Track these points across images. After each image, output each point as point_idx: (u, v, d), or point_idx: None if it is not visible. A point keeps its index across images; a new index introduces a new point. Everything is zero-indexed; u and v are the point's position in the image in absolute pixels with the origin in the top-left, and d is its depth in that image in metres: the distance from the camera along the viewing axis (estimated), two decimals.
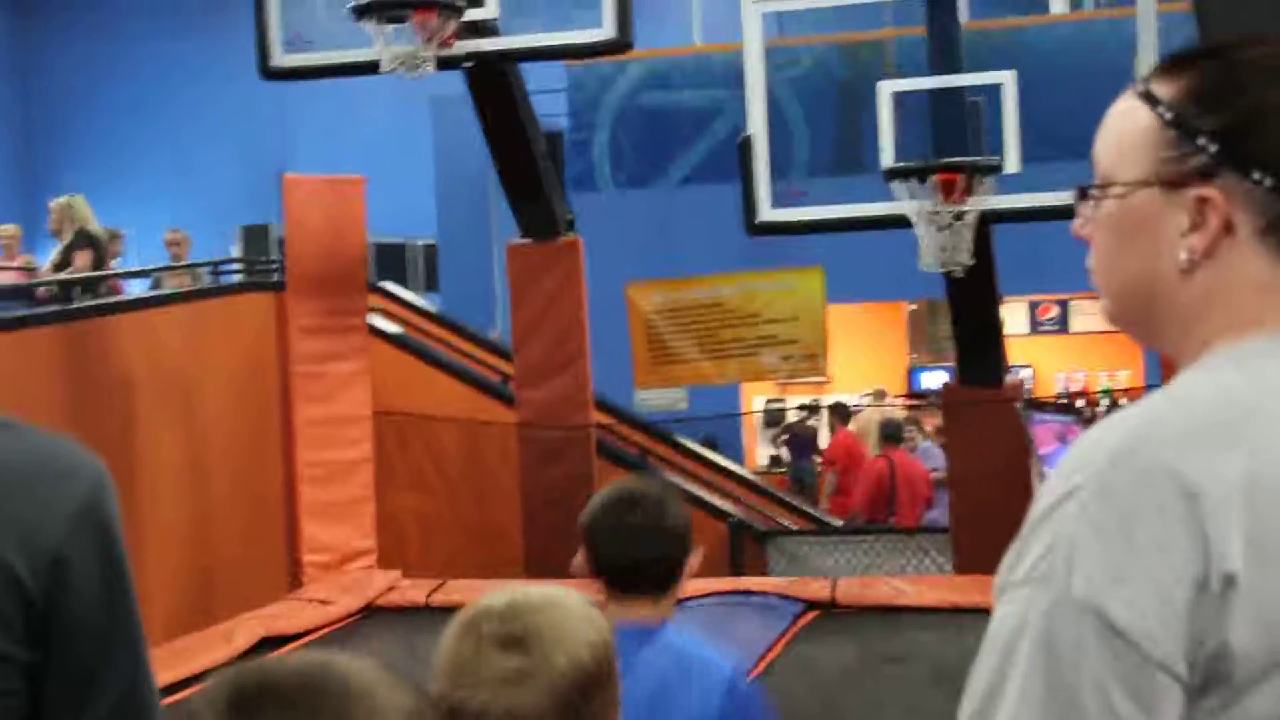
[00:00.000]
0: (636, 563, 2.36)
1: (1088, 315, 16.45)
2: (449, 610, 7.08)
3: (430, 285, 16.47)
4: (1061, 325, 16.56)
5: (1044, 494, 1.12)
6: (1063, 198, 7.78)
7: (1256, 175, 1.17)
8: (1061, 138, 11.84)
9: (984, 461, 8.44)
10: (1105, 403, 16.00)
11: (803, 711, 6.51)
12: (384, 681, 1.04)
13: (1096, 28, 14.38)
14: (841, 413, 12.26)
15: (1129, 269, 1.25)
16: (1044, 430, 1.71)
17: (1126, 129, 1.26)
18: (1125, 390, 16.06)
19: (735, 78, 15.10)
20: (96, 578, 1.36)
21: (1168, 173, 1.21)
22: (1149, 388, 14.84)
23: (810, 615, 8.24)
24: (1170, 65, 1.25)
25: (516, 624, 1.49)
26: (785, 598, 8.22)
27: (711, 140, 15.16)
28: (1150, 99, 1.24)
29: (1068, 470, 1.11)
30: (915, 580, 8.75)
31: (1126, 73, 11.29)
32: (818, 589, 8.46)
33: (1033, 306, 16.36)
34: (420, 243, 16.78)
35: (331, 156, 14.31)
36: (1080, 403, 15.98)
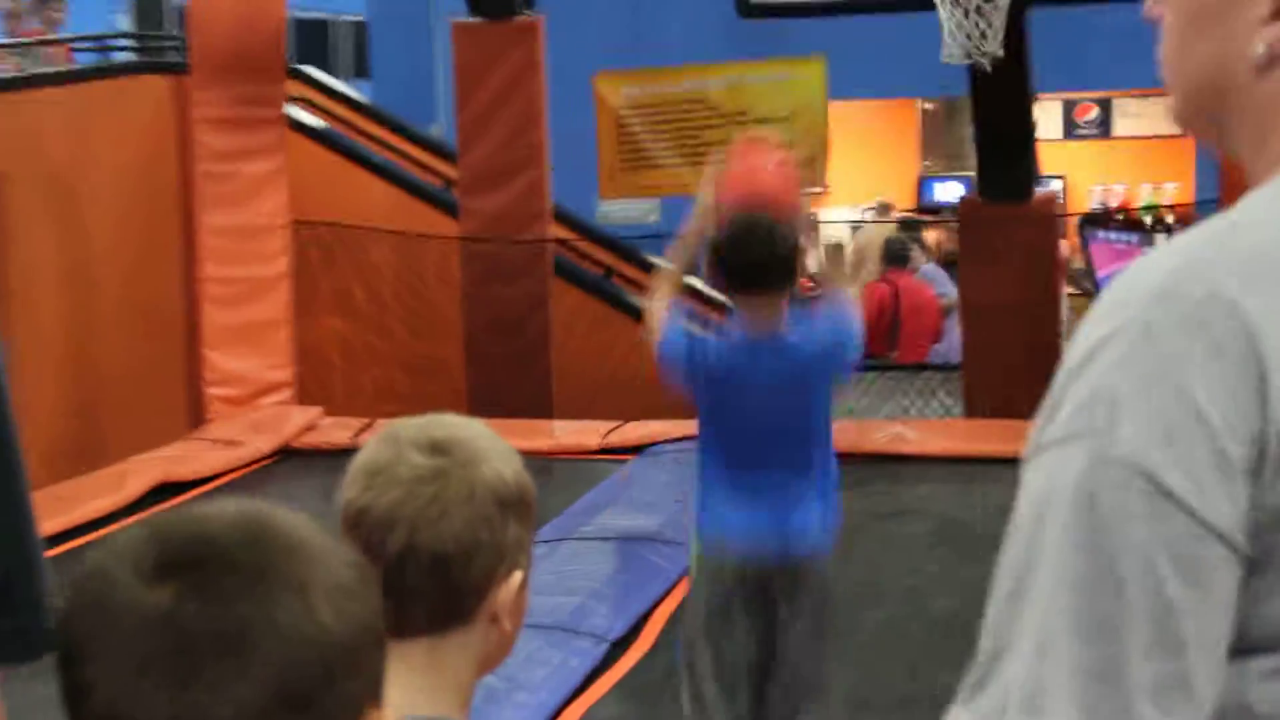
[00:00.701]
0: (762, 261, 3.56)
1: (1133, 117, 16.37)
2: None
3: (359, 71, 16.21)
4: (1102, 129, 16.49)
5: (1080, 338, 1.11)
6: None
7: None
8: None
9: (1004, 289, 8.46)
10: (1149, 219, 16.05)
11: None
12: (328, 536, 1.03)
13: None
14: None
15: (1198, 59, 1.22)
16: (1102, 250, 1.69)
17: None
18: (1172, 206, 16.09)
19: None
20: None
21: None
22: (1200, 205, 14.87)
23: None
24: None
25: (440, 432, 1.59)
26: None
27: None
28: None
29: (1107, 309, 1.10)
30: (920, 425, 8.85)
31: None
32: None
33: (1068, 106, 16.24)
34: (347, 19, 16.44)
35: None
36: (1120, 219, 16.02)
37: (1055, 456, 1.08)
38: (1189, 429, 1.03)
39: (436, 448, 1.56)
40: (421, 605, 1.54)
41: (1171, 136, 16.28)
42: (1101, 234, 1.63)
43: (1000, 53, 7.07)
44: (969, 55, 7.14)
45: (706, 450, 3.80)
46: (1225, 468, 1.03)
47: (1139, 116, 16.37)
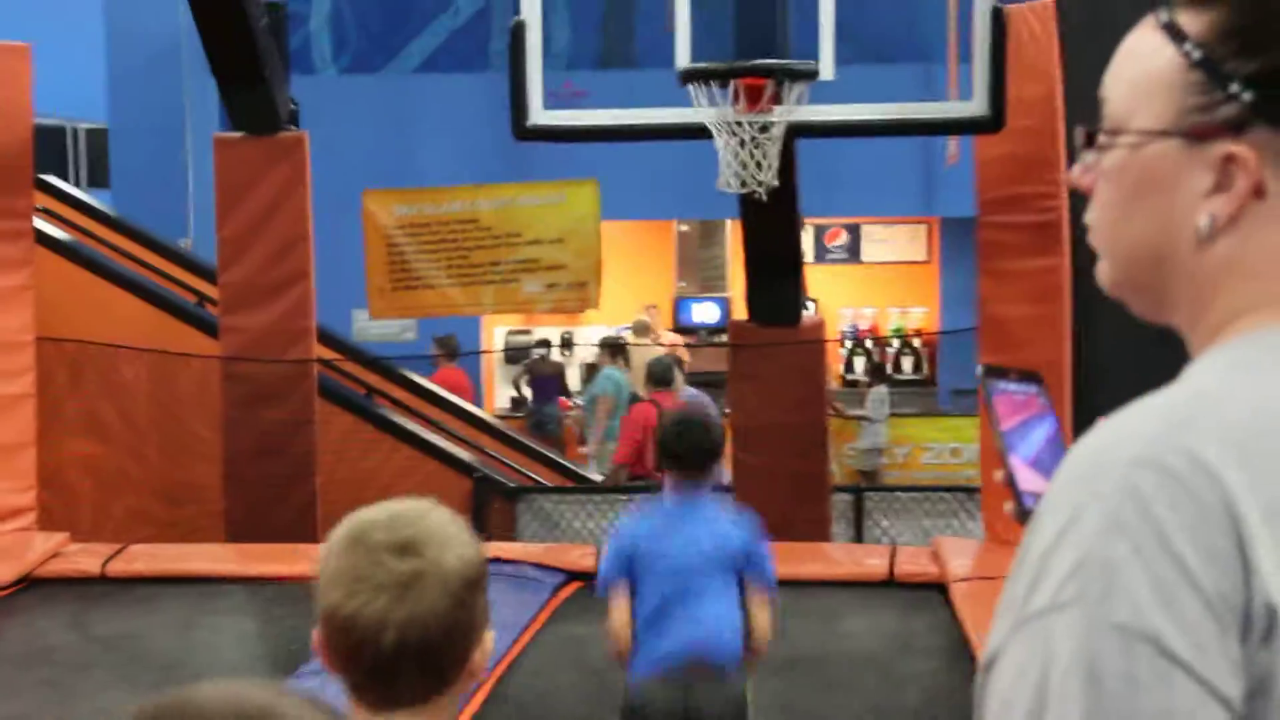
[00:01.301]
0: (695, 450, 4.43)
1: (881, 242, 17.07)
2: (129, 582, 6.86)
3: (96, 180, 15.80)
4: (852, 253, 17.12)
5: (1050, 508, 1.12)
6: (874, 110, 8.02)
7: None
8: (863, 37, 12.29)
9: (774, 411, 8.69)
10: (896, 343, 16.70)
11: (568, 699, 6.61)
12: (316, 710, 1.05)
13: None
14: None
15: (1137, 231, 1.26)
16: (1006, 401, 1.74)
17: (1144, 67, 1.26)
18: (919, 331, 16.78)
19: None
20: None
21: (1192, 123, 1.22)
22: (946, 331, 15.53)
23: (571, 587, 8.34)
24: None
25: (407, 530, 1.78)
26: (542, 567, 8.30)
27: (453, 21, 15.01)
28: (1174, 33, 1.24)
29: (1079, 477, 1.11)
30: None
31: None
32: (579, 557, 8.57)
33: (819, 231, 16.84)
34: (82, 127, 16.05)
35: None
36: (869, 342, 16.61)
37: (1047, 625, 1.07)
38: (1186, 593, 1.04)
39: (408, 549, 1.77)
40: (413, 684, 1.79)
41: (916, 262, 17.05)
42: (1003, 385, 1.70)
43: (775, 182, 7.30)
44: (744, 184, 7.35)
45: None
46: (1221, 631, 1.05)
47: (885, 242, 17.09)
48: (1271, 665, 1.05)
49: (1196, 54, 1.22)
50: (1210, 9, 1.23)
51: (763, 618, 4.40)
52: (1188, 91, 1.22)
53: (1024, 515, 1.39)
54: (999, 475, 1.43)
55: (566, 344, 15.60)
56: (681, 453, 4.42)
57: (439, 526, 1.82)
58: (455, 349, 12.42)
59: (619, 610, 4.39)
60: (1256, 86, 1.19)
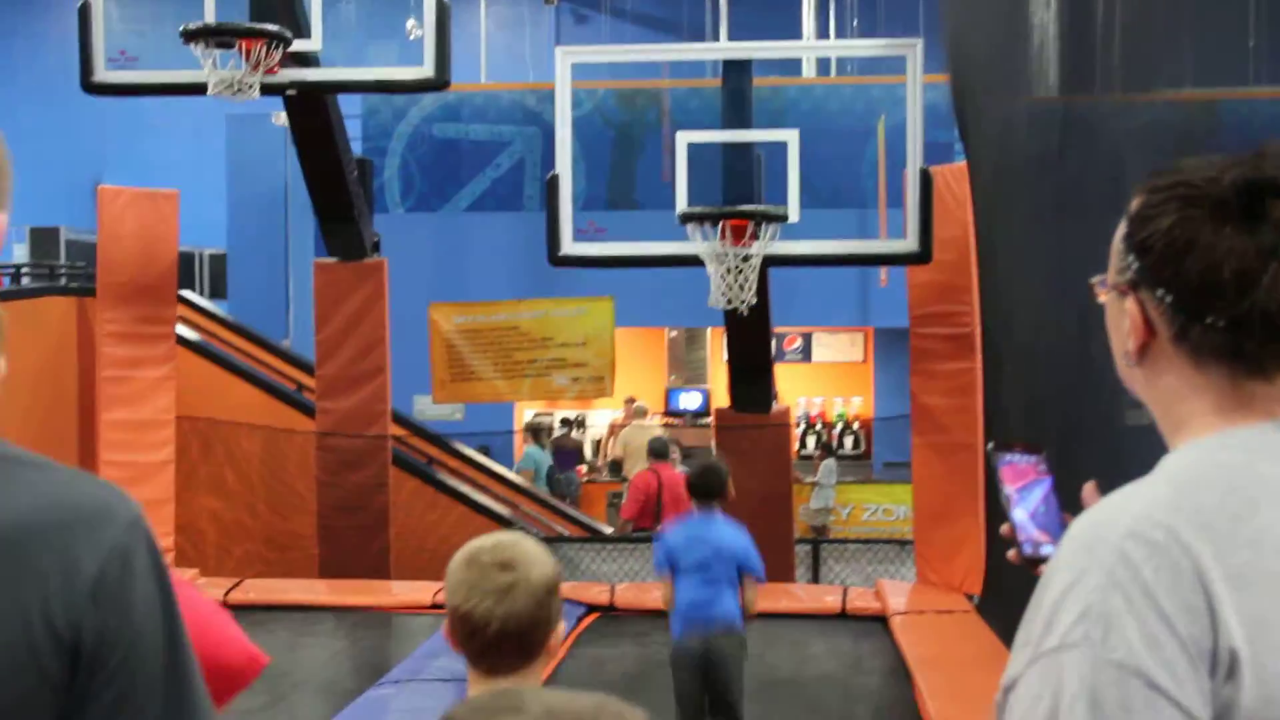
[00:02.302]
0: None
1: (826, 347, 17.14)
2: (246, 609, 6.83)
3: (217, 293, 15.86)
4: (805, 355, 17.17)
5: (1061, 567, 1.15)
6: (832, 245, 8.16)
7: (1159, 292, 1.22)
8: (817, 188, 12.43)
9: (751, 480, 8.71)
10: (840, 426, 16.73)
11: None
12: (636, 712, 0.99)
13: (844, 91, 15.06)
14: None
15: (1115, 352, 1.31)
16: (1009, 469, 1.80)
17: (1116, 234, 1.30)
18: (857, 416, 16.82)
19: (521, 114, 15.36)
20: (150, 634, 1.17)
21: (1115, 280, 1.27)
22: (880, 418, 15.57)
23: (591, 617, 8.33)
24: (1144, 180, 1.29)
25: (506, 553, 2.02)
26: (568, 600, 8.29)
27: (496, 171, 15.18)
28: (1127, 211, 1.29)
29: (1086, 542, 1.14)
30: None
31: (872, 132, 11.72)
32: (598, 593, 8.57)
33: (779, 337, 16.91)
34: (207, 252, 16.16)
35: (127, 163, 13.66)
36: (818, 424, 16.63)
37: (1058, 661, 1.09)
38: (1167, 638, 1.07)
39: (506, 566, 2.01)
40: (510, 658, 2.03)
41: (855, 362, 17.13)
42: (1008, 456, 1.75)
43: (754, 301, 7.41)
44: (729, 302, 7.45)
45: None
46: (1194, 669, 1.07)
47: (831, 346, 17.16)
48: (1233, 697, 1.08)
49: (1124, 228, 1.27)
50: (1138, 195, 1.27)
51: (751, 593, 5.40)
52: (1119, 257, 1.27)
53: (1025, 559, 1.41)
54: (1004, 528, 1.44)
55: (580, 423, 15.61)
56: (702, 487, 5.43)
57: (527, 552, 2.04)
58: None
59: (666, 588, 5.43)
60: (1138, 257, 1.23)
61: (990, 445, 1.51)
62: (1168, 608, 1.08)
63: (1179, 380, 1.23)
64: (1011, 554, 1.43)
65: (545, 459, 12.22)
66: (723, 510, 5.47)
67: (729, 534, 5.43)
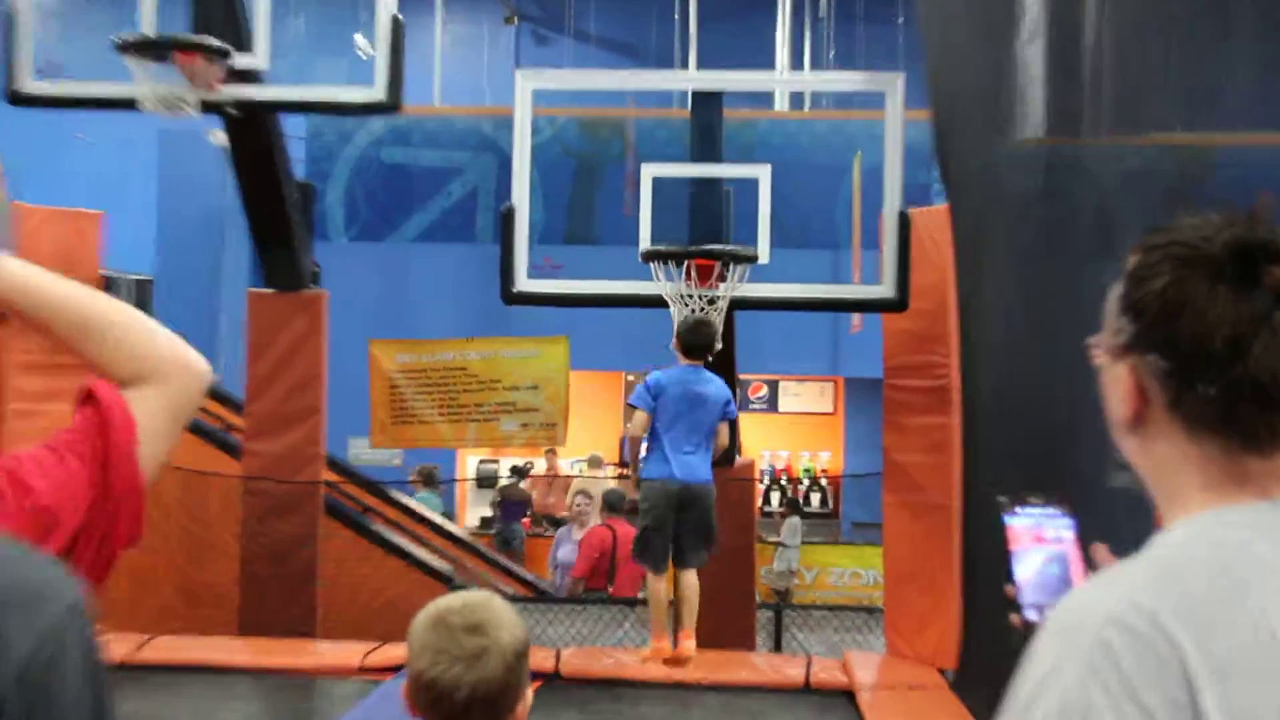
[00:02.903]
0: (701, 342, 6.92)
1: (794, 396, 17.18)
2: (156, 669, 6.70)
3: None
4: (770, 404, 17.21)
5: (1038, 654, 1.15)
6: (798, 289, 8.17)
7: (1152, 357, 1.23)
8: (786, 228, 12.49)
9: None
10: (806, 481, 16.74)
11: None
12: None
13: (818, 127, 15.19)
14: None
15: (1110, 417, 1.32)
16: (1017, 527, 1.75)
17: (1112, 294, 1.32)
18: (825, 472, 16.84)
19: (476, 141, 15.39)
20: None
21: (1110, 343, 1.29)
22: (849, 475, 15.60)
23: (535, 685, 8.24)
24: (1141, 238, 1.30)
25: (476, 615, 2.04)
26: None
27: (447, 200, 15.17)
28: (1123, 270, 1.30)
29: (1065, 628, 1.14)
30: (638, 652, 8.87)
31: (847, 170, 11.82)
32: (541, 659, 8.47)
33: (743, 385, 16.94)
34: (132, 277, 16.01)
35: (46, 180, 13.52)
36: (784, 479, 16.65)
37: None
38: None
39: (476, 629, 2.03)
40: None
41: (824, 414, 17.19)
42: (1019, 511, 1.71)
43: (719, 346, 7.39)
44: None
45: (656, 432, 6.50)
46: None
47: (799, 396, 17.20)
48: None
49: (1118, 289, 1.28)
50: (1134, 254, 1.28)
51: (724, 434, 6.57)
52: (1113, 319, 1.29)
53: (1027, 625, 1.40)
54: (1008, 588, 1.44)
55: (524, 473, 15.54)
56: (697, 342, 6.49)
57: (497, 613, 2.08)
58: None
59: (640, 418, 6.36)
60: (1132, 320, 1.25)
61: (1002, 499, 1.50)
62: (1149, 702, 1.08)
63: (1173, 451, 1.24)
64: (1014, 618, 1.43)
65: (438, 504, 12.22)
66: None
67: (715, 387, 6.56)
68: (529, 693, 2.12)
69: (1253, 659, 1.11)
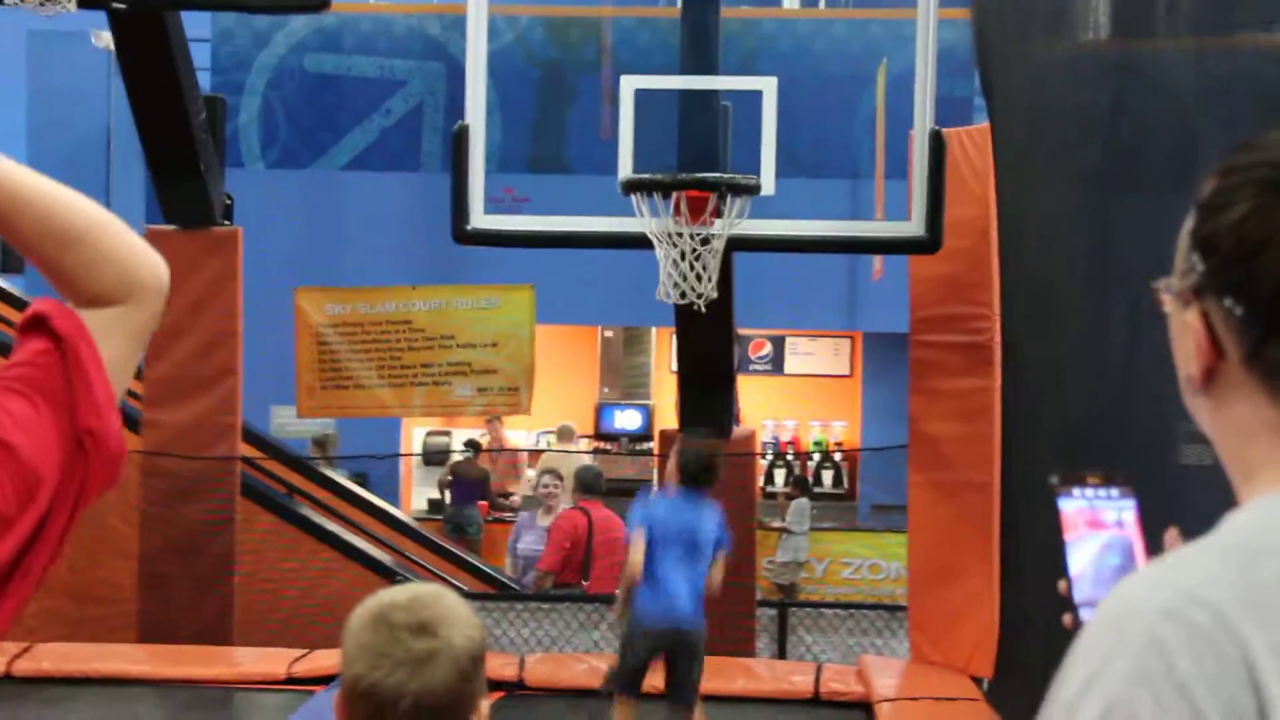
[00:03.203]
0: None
1: (804, 355, 17.19)
2: (37, 682, 6.74)
3: (10, 266, 15.61)
4: (774, 365, 17.22)
5: (1083, 652, 1.16)
6: (813, 226, 8.16)
7: (1228, 301, 1.22)
8: (795, 152, 12.47)
9: None
10: (817, 456, 16.80)
11: None
12: None
13: (835, 28, 15.13)
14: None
15: (1179, 374, 1.32)
16: (1071, 511, 1.73)
17: (1184, 225, 1.30)
18: (839, 444, 16.89)
19: (420, 46, 15.29)
20: None
21: (1178, 286, 1.28)
22: (867, 448, 15.66)
23: (493, 696, 8.27)
24: (1221, 158, 1.29)
25: (425, 613, 2.04)
26: None
27: (386, 119, 15.07)
28: (1196, 198, 1.28)
29: (1112, 622, 1.16)
30: (614, 657, 8.91)
31: (869, 81, 11.79)
32: (502, 666, 8.52)
33: (743, 342, 16.95)
34: None
35: None
36: (790, 454, 16.69)
37: None
38: None
39: (425, 629, 2.04)
40: None
41: (839, 376, 17.21)
42: (1075, 493, 1.70)
43: (714, 294, 7.40)
44: (684, 295, 7.43)
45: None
46: None
47: (808, 355, 17.22)
48: None
49: (1190, 220, 1.27)
50: (1211, 177, 1.27)
51: (718, 572, 6.79)
52: (1183, 256, 1.28)
53: (1078, 624, 1.41)
54: (1061, 584, 1.45)
55: (480, 446, 15.52)
56: (702, 477, 6.80)
57: (450, 609, 2.08)
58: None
59: (636, 551, 6.64)
60: (1204, 257, 1.24)
61: (1053, 478, 1.49)
62: (1207, 709, 1.09)
63: (1251, 415, 1.25)
64: (1066, 618, 1.44)
65: None
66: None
67: (712, 523, 6.85)
68: (485, 704, 2.13)
69: None
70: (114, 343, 1.53)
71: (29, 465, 1.44)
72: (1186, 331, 1.27)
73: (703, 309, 7.45)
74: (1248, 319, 1.22)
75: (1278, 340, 1.21)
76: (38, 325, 1.50)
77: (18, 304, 10.85)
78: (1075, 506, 1.47)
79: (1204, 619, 1.12)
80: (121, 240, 1.57)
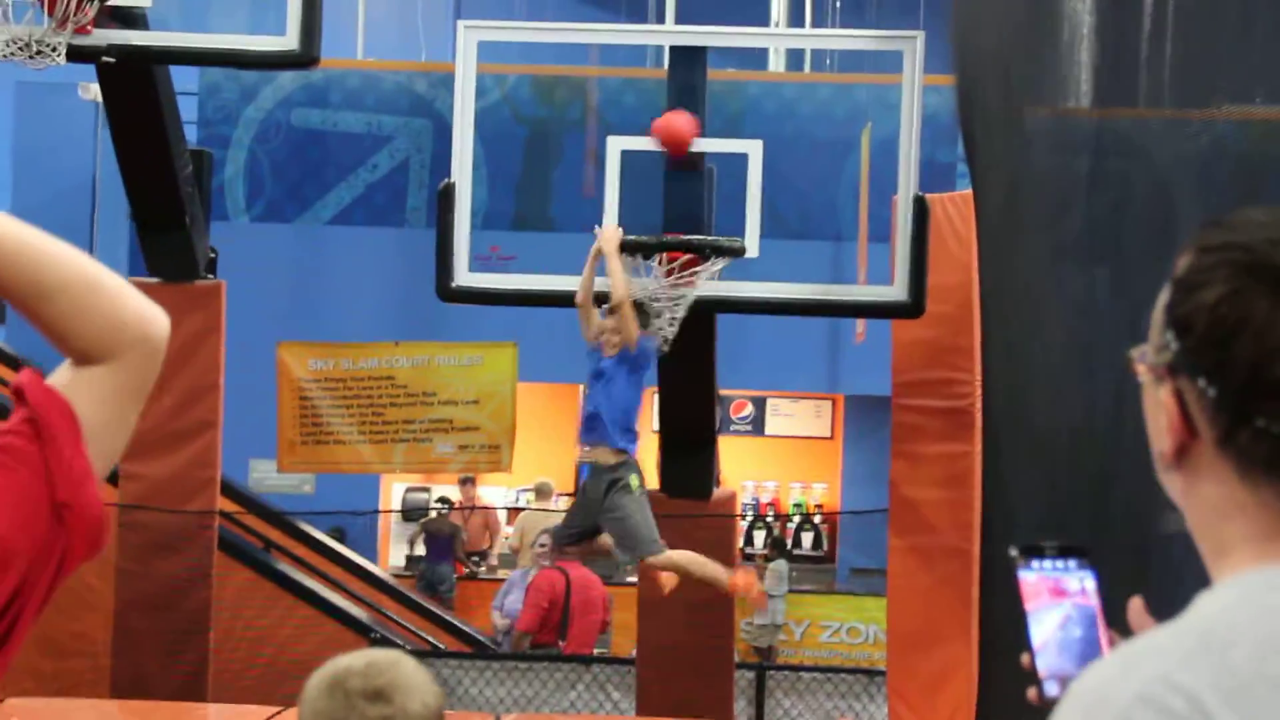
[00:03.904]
0: None
1: (785, 417, 17.20)
2: None
3: None
4: (756, 426, 17.23)
5: None
6: (797, 289, 8.18)
7: (1201, 382, 1.22)
8: (779, 213, 12.52)
9: (681, 588, 8.65)
10: (797, 519, 16.78)
11: None
12: None
13: (820, 92, 15.23)
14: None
15: (1152, 446, 1.31)
16: (1030, 582, 1.73)
17: (1159, 299, 1.30)
18: (820, 507, 16.87)
19: (407, 103, 15.33)
20: None
21: (1153, 360, 1.28)
22: (847, 511, 15.65)
23: None
24: (1194, 235, 1.28)
25: (380, 679, 2.06)
26: None
27: (372, 174, 15.11)
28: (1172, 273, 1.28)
29: (1084, 707, 1.16)
30: (591, 719, 8.87)
31: (854, 145, 11.86)
32: None
33: (724, 402, 16.95)
34: None
35: None
36: (769, 515, 16.67)
37: None
38: None
39: (380, 695, 2.04)
40: None
41: (820, 438, 17.21)
42: (1034, 564, 1.70)
43: (672, 333, 7.37)
44: (660, 350, 7.45)
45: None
46: None
47: (791, 416, 17.22)
48: None
49: (1165, 296, 1.27)
50: (1185, 253, 1.27)
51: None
52: (1158, 332, 1.28)
53: (1045, 701, 1.40)
54: (1024, 658, 1.44)
55: (453, 505, 15.48)
56: None
57: (406, 676, 2.10)
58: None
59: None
60: (1179, 336, 1.24)
61: (1013, 550, 1.49)
62: None
63: (1223, 494, 1.24)
64: (1030, 693, 1.43)
65: None
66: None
67: None
68: None
69: None
70: (101, 403, 1.51)
71: (3, 537, 1.43)
72: (1160, 408, 1.27)
73: (665, 350, 7.44)
74: (1221, 402, 1.22)
75: (1250, 425, 1.21)
76: (19, 395, 1.50)
77: (3, 357, 10.84)
78: (1036, 577, 1.47)
79: (1179, 705, 1.12)
80: (105, 297, 1.53)
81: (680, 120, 6.77)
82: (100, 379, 1.52)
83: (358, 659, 2.13)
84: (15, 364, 10.60)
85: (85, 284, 1.53)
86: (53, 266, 1.52)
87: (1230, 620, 1.19)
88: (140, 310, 1.56)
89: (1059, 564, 1.47)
